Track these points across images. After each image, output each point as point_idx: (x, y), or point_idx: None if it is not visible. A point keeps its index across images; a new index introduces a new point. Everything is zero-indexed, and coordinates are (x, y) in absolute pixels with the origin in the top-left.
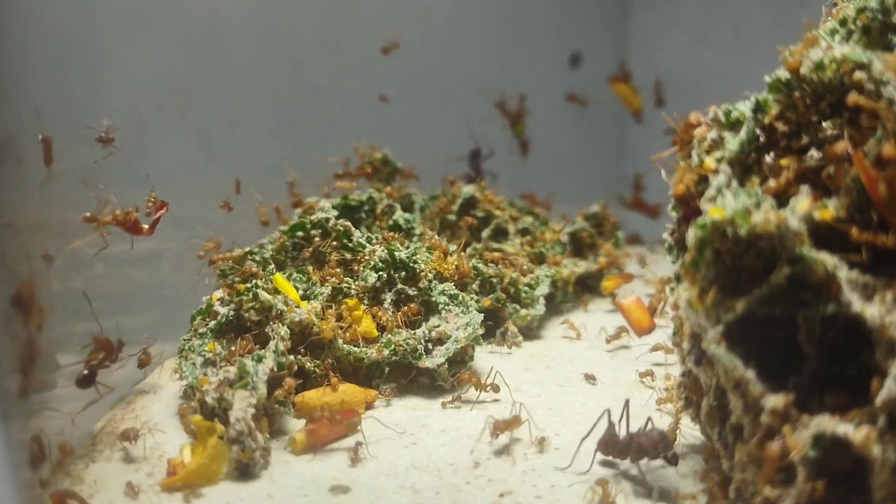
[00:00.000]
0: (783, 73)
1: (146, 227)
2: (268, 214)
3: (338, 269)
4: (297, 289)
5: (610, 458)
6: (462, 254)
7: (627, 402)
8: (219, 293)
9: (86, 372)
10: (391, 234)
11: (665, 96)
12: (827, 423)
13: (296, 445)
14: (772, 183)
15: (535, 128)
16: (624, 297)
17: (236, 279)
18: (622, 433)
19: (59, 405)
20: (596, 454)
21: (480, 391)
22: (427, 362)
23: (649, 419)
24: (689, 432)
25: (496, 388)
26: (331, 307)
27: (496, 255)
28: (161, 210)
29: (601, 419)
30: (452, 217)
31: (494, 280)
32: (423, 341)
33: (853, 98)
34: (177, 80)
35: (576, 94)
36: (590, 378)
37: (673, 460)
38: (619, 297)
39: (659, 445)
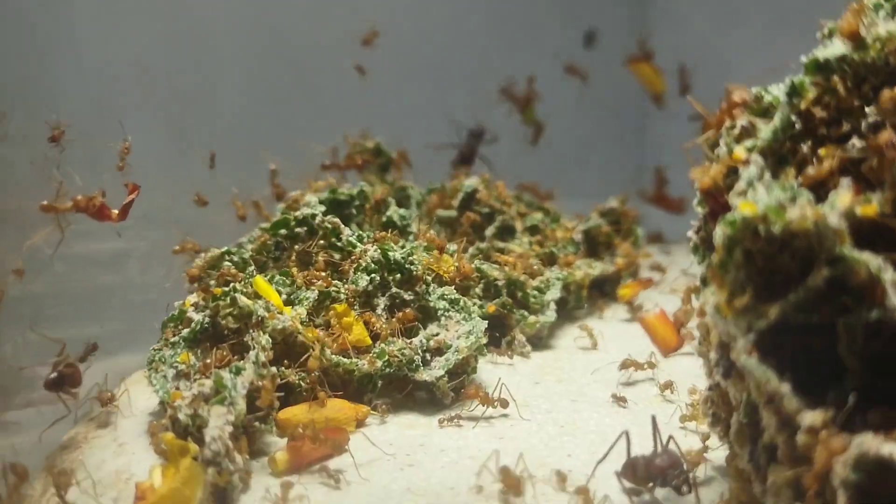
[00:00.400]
0: (822, 53)
1: (115, 212)
2: (245, 209)
3: (325, 272)
4: (279, 293)
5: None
6: (463, 254)
7: (654, 419)
8: (193, 298)
9: (54, 375)
10: (384, 232)
11: (690, 83)
12: (870, 443)
13: (276, 466)
14: (809, 174)
15: (546, 114)
16: (643, 304)
17: (212, 282)
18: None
19: (18, 421)
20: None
21: (488, 406)
22: (425, 375)
23: (671, 438)
24: (716, 453)
25: (504, 404)
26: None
27: (505, 257)
28: (133, 193)
29: (619, 441)
30: (453, 213)
31: (500, 283)
32: (420, 351)
33: (889, 95)
34: (143, 58)
35: (574, 66)
36: (619, 400)
37: (682, 486)
38: (642, 310)
39: (668, 472)
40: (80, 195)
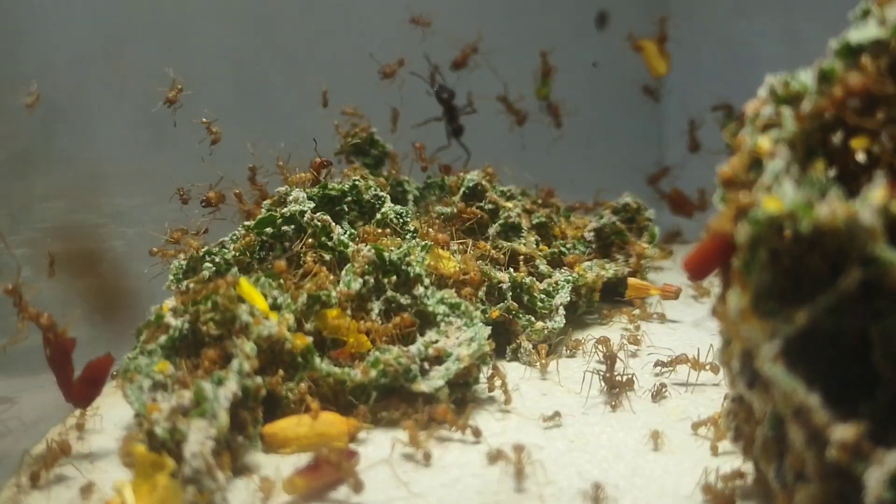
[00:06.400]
0: (855, 36)
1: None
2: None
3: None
4: (265, 296)
5: None
6: (469, 256)
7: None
8: (171, 302)
9: None
10: (376, 229)
11: (699, 139)
12: None
13: (295, 489)
14: (840, 168)
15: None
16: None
17: (191, 285)
18: None
19: None
20: None
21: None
22: (423, 385)
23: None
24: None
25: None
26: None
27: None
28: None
29: None
30: (454, 210)
31: (504, 286)
32: (417, 360)
33: None
34: (117, 44)
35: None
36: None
37: None
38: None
39: None
40: (48, 316)
